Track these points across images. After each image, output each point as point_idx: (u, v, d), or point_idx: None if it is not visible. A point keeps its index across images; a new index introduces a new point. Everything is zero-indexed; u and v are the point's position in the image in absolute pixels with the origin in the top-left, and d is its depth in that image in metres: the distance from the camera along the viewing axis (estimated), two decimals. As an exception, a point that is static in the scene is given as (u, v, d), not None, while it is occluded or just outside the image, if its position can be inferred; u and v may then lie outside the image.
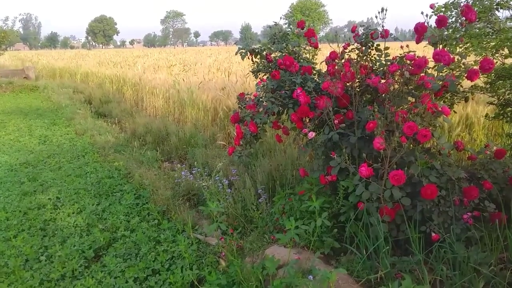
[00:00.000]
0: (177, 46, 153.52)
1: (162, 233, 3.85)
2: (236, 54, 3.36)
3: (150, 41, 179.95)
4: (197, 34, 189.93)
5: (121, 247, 3.71)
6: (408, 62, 2.80)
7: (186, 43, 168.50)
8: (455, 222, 2.69)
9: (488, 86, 3.64)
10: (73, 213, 4.52)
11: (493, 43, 3.68)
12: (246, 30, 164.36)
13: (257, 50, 3.37)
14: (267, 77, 3.35)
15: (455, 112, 4.01)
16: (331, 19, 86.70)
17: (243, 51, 3.30)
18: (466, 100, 3.36)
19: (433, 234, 2.64)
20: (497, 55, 3.59)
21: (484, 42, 3.54)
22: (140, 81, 11.85)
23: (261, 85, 3.26)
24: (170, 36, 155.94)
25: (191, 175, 4.81)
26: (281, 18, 4.06)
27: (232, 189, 4.13)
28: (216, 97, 8.10)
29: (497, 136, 5.21)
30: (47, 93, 15.00)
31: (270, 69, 3.50)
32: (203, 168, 5.50)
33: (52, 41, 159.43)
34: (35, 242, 3.83)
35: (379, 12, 2.90)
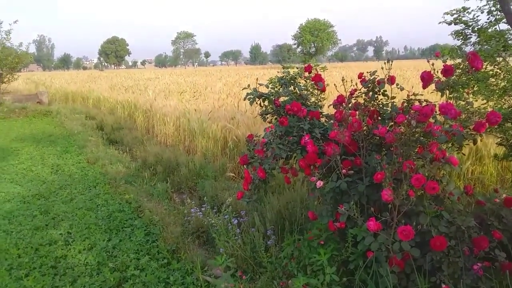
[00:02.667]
0: (188, 66, 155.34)
1: (172, 274, 3.86)
2: (244, 99, 3.41)
3: (161, 62, 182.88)
4: (207, 54, 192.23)
5: (131, 288, 3.72)
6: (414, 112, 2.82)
7: (196, 63, 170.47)
8: (465, 272, 2.67)
9: (496, 127, 3.64)
10: (84, 249, 4.56)
11: (502, 84, 3.69)
12: (255, 49, 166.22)
13: (265, 96, 3.43)
14: (275, 123, 3.39)
15: (464, 154, 3.99)
16: (340, 39, 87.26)
17: (251, 97, 3.35)
18: (475, 142, 3.35)
19: (443, 286, 2.62)
20: (506, 97, 3.60)
21: (493, 85, 3.55)
22: (151, 108, 12.01)
23: (269, 132, 3.31)
24: (181, 56, 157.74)
25: (200, 212, 4.83)
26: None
27: (241, 228, 4.13)
28: (226, 126, 8.18)
29: (507, 170, 5.18)
30: (59, 118, 15.23)
31: (278, 112, 3.54)
32: (212, 201, 5.52)
33: (65, 62, 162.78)
34: (46, 282, 3.87)
35: (385, 63, 2.95)
